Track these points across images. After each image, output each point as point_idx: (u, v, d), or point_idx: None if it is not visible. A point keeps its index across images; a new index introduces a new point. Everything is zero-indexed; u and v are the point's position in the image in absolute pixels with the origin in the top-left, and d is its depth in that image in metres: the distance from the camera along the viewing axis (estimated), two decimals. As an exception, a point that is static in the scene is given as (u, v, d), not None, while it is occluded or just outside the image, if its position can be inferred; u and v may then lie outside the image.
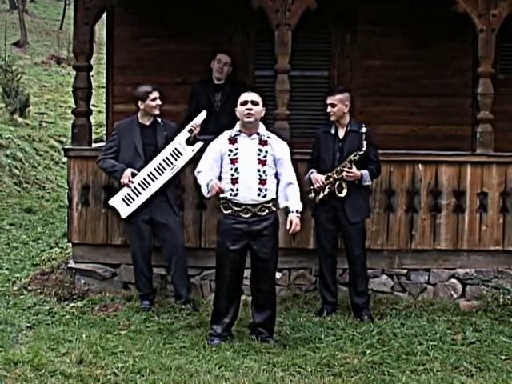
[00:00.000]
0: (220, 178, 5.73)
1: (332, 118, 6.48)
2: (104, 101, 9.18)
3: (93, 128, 7.40)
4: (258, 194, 5.66)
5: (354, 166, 6.32)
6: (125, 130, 6.67)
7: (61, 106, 18.27)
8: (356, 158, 6.33)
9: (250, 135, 5.77)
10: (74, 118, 7.09)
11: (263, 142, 5.76)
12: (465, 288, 6.97)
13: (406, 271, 6.99)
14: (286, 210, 5.81)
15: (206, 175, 5.72)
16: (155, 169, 6.57)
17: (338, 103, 6.42)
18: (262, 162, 5.71)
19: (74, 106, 7.15)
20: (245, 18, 7.90)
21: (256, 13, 6.96)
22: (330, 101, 6.45)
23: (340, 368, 5.24)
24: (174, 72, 8.20)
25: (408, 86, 8.16)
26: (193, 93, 7.56)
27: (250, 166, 5.68)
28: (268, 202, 5.70)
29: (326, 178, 6.38)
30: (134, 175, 6.53)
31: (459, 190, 6.87)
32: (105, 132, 9.58)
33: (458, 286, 6.97)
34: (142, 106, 6.63)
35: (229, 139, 5.77)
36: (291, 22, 6.76)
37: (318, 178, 6.41)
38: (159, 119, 6.73)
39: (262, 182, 5.67)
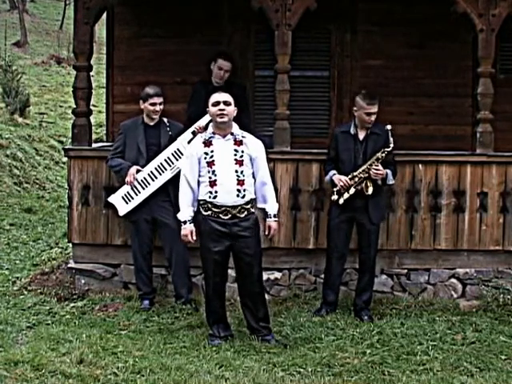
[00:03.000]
0: (198, 182, 5.72)
1: (370, 125, 6.34)
2: (104, 101, 9.19)
3: (93, 128, 7.41)
4: (237, 195, 5.64)
5: (379, 165, 6.28)
6: (130, 130, 6.72)
7: (61, 106, 18.27)
8: (383, 155, 6.25)
9: (224, 136, 5.72)
10: (74, 117, 7.09)
11: (238, 142, 5.72)
12: (465, 288, 6.97)
13: (405, 271, 6.99)
14: (264, 214, 5.83)
15: (187, 199, 5.71)
16: (156, 168, 6.59)
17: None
18: (239, 163, 5.67)
19: (74, 106, 7.15)
20: (245, 18, 7.91)
21: (256, 13, 6.96)
22: (374, 110, 6.30)
23: (340, 368, 5.24)
24: (174, 72, 8.20)
25: (408, 85, 8.16)
26: (193, 93, 7.56)
27: (228, 168, 5.65)
28: (247, 203, 5.69)
29: (351, 178, 6.29)
30: (138, 172, 6.57)
31: (459, 190, 6.87)
32: (105, 132, 9.58)
33: (458, 285, 6.97)
34: (141, 105, 6.71)
35: (203, 142, 5.73)
36: (291, 22, 6.76)
37: (341, 178, 6.30)
38: (165, 119, 6.76)
39: (240, 182, 5.65)
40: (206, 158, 5.68)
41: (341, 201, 6.34)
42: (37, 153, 13.77)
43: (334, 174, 6.39)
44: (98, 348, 5.37)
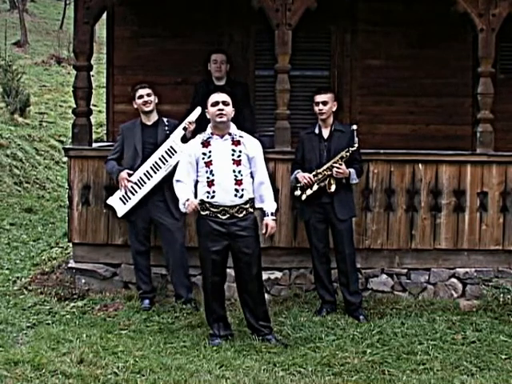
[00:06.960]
0: (197, 182, 5.74)
1: (323, 117, 6.45)
2: (104, 100, 9.20)
3: (93, 128, 7.42)
4: (235, 195, 5.64)
5: (343, 164, 6.33)
6: (128, 130, 6.76)
7: (61, 106, 18.26)
8: (348, 154, 6.33)
9: (222, 136, 5.74)
10: (75, 117, 7.09)
11: (236, 142, 5.73)
12: (465, 287, 6.97)
13: (406, 271, 6.99)
14: (262, 212, 5.81)
15: (185, 188, 5.71)
16: (151, 167, 6.60)
17: (329, 101, 6.46)
18: (237, 162, 5.68)
19: (74, 106, 7.15)
20: (245, 17, 7.91)
21: (256, 13, 6.96)
22: (322, 99, 6.43)
23: (340, 367, 5.24)
24: (175, 72, 8.21)
25: (408, 85, 8.17)
26: (195, 94, 7.55)
27: (225, 167, 5.65)
28: (245, 202, 5.68)
29: (314, 175, 6.37)
30: (130, 175, 6.58)
31: (459, 190, 6.87)
32: (105, 132, 9.59)
33: (458, 285, 6.97)
34: (135, 105, 6.75)
35: (201, 143, 5.74)
36: (291, 22, 6.76)
37: (305, 175, 6.39)
38: (165, 119, 6.76)
39: (238, 182, 5.65)
40: (204, 159, 5.69)
41: (303, 197, 6.42)
42: (37, 152, 13.77)
43: (298, 172, 6.47)
44: (98, 348, 5.37)
